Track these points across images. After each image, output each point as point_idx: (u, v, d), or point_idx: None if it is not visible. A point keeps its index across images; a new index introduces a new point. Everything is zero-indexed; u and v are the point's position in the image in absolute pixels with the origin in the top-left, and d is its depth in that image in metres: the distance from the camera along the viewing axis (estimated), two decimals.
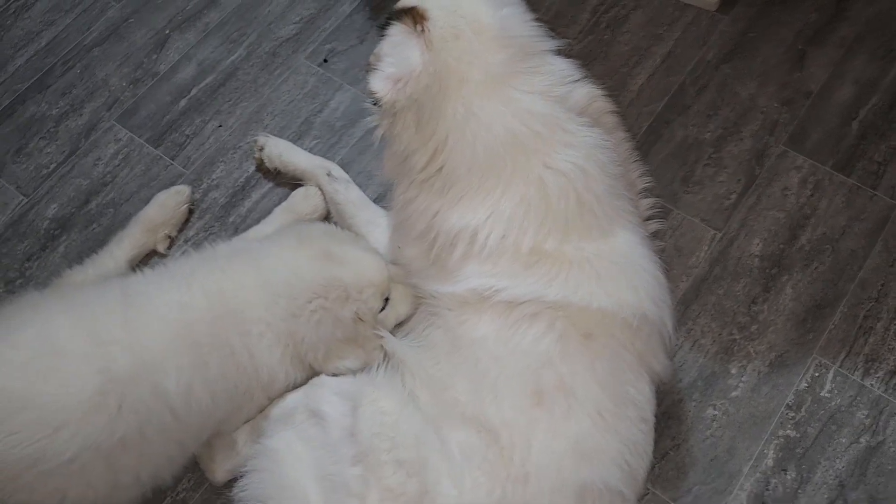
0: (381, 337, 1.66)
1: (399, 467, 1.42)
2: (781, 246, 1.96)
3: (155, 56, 2.37)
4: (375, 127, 1.65)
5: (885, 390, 1.77)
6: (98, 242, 2.04)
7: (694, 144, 2.10)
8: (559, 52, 1.59)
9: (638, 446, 1.45)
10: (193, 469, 1.76)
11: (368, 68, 1.52)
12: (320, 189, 2.00)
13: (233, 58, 2.34)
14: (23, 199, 2.14)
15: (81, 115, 2.27)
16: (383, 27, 1.70)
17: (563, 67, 1.58)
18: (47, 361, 1.50)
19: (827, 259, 1.93)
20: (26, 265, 2.05)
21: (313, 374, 1.66)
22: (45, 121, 2.27)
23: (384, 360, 1.66)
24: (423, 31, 1.48)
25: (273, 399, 1.66)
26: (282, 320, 1.57)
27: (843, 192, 2.01)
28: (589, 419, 1.41)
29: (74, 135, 2.24)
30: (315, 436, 1.52)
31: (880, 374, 1.79)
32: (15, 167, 2.20)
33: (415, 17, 1.48)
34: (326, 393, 1.57)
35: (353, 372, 1.64)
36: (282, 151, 2.09)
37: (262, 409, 1.68)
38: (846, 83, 2.17)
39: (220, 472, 1.71)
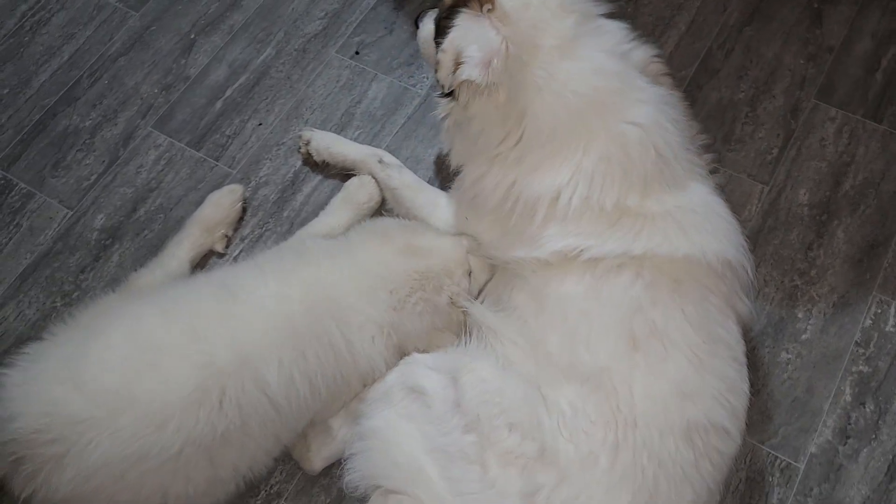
0: (467, 312, 1.68)
1: (513, 430, 1.45)
2: (827, 193, 2.03)
3: (183, 61, 2.35)
4: (445, 117, 1.67)
5: None
6: (152, 248, 2.03)
7: (729, 105, 2.17)
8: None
9: (735, 384, 1.49)
10: (285, 461, 1.75)
11: (438, 66, 1.52)
12: (373, 177, 2.01)
13: (263, 56, 2.34)
14: (68, 213, 2.11)
15: (116, 124, 2.25)
16: (417, 21, 1.74)
17: (620, 29, 1.63)
18: (145, 359, 1.49)
19: (872, 202, 2.01)
20: (81, 277, 2.02)
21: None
22: (79, 133, 2.24)
23: (472, 330, 1.68)
24: (490, 9, 1.51)
25: (368, 386, 1.67)
26: (384, 312, 1.60)
27: (876, 138, 2.10)
28: (686, 360, 1.45)
29: (112, 145, 2.22)
30: (418, 411, 1.53)
31: None
32: (55, 181, 2.16)
33: None
34: (422, 369, 1.58)
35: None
36: (329, 144, 2.10)
37: (356, 396, 1.69)
38: (864, 37, 2.26)
39: (317, 461, 1.71)
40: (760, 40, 2.27)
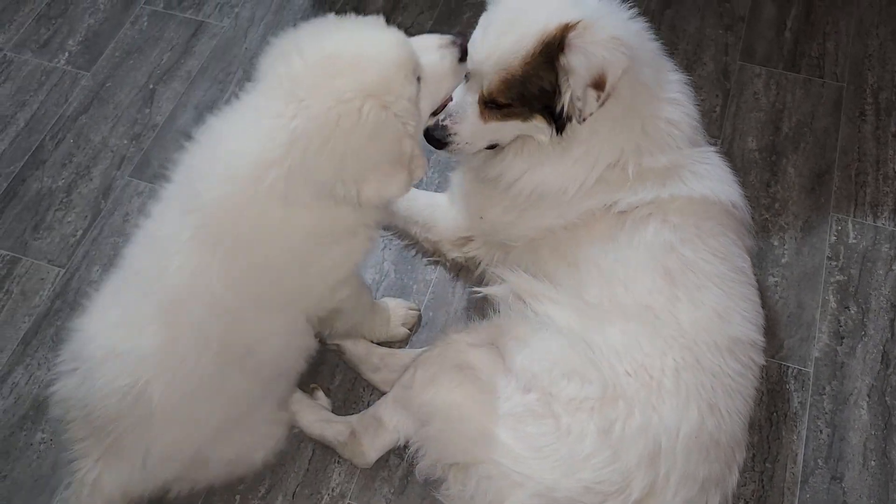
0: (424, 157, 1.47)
1: (570, 378, 1.53)
2: (770, 137, 2.28)
3: (147, 110, 2.38)
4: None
5: (895, 224, 2.10)
6: None
7: None
8: None
9: (756, 305, 1.67)
10: (340, 462, 1.78)
11: (582, 103, 1.54)
12: None
13: (227, 94, 2.40)
14: (60, 271, 2.08)
15: (91, 179, 2.24)
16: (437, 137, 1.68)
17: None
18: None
19: (809, 138, 2.27)
20: None
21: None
22: (53, 193, 2.21)
23: (498, 303, 1.78)
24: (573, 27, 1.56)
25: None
26: None
27: (798, 84, 2.38)
28: (717, 288, 1.61)
29: (91, 199, 2.20)
30: (472, 386, 1.58)
31: (886, 213, 2.13)
32: (38, 243, 2.12)
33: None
34: (463, 346, 1.65)
35: (397, 198, 1.56)
36: None
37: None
38: (766, 3, 2.57)
39: (371, 453, 1.73)
40: (681, 19, 2.54)
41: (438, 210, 1.99)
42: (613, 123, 1.63)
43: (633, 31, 1.62)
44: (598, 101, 1.54)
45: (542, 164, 1.70)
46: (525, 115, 1.66)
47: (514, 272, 1.76)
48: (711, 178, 1.68)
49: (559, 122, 1.61)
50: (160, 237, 1.46)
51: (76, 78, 2.45)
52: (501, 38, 1.57)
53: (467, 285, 2.02)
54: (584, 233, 1.70)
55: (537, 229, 1.77)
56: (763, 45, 2.47)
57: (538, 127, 1.66)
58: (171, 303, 1.41)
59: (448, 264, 2.05)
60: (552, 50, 1.53)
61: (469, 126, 1.68)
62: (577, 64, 1.51)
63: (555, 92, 1.58)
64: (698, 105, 1.76)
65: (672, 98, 1.69)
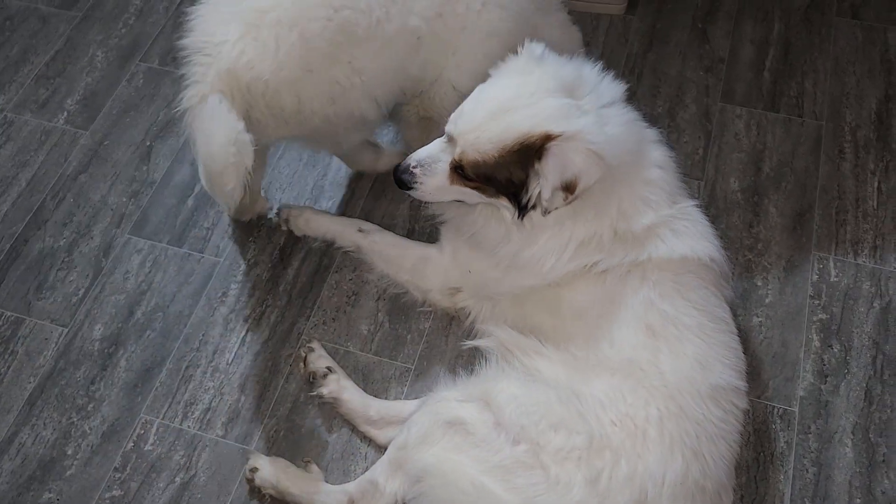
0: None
1: (557, 430, 1.58)
2: (752, 178, 2.34)
3: (145, 167, 2.44)
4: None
5: (876, 262, 2.16)
6: (158, 347, 2.08)
7: (649, 119, 2.46)
8: None
9: (736, 351, 1.73)
10: None
11: (549, 202, 1.64)
12: (357, 246, 2.14)
13: None
14: (63, 330, 2.13)
15: (92, 237, 2.30)
16: (404, 179, 1.77)
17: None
18: None
19: (790, 178, 2.33)
20: (92, 388, 2.04)
21: None
22: (55, 253, 2.27)
23: (488, 355, 1.84)
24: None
25: None
26: None
27: (779, 124, 2.44)
28: (698, 338, 1.67)
29: (92, 258, 2.26)
30: (463, 441, 1.63)
31: (866, 251, 2.18)
32: (42, 303, 2.18)
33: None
34: (453, 403, 1.69)
35: None
36: (308, 218, 2.23)
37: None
38: (745, 44, 2.64)
39: None
40: (663, 62, 2.60)
41: (430, 264, 2.04)
42: (587, 214, 1.71)
43: (617, 130, 1.66)
44: (565, 201, 1.63)
45: (513, 238, 1.77)
46: (491, 194, 1.73)
47: (501, 328, 1.82)
48: (690, 236, 1.75)
49: (522, 210, 1.69)
50: None
51: (75, 137, 2.52)
52: (488, 123, 1.64)
53: (461, 340, 2.06)
54: (567, 290, 1.77)
55: (521, 288, 1.83)
56: (743, 85, 2.54)
57: (503, 205, 1.74)
58: None
59: (440, 313, 2.10)
60: (530, 153, 1.61)
61: (436, 182, 1.76)
62: (549, 171, 1.59)
63: (522, 186, 1.65)
64: (681, 148, 1.83)
65: (652, 162, 1.76)
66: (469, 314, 1.98)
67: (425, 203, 1.93)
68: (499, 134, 1.62)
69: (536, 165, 1.60)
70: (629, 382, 1.62)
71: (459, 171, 1.71)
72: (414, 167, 1.76)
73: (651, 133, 1.81)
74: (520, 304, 1.86)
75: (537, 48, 1.73)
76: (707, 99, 2.51)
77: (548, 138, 1.58)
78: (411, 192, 1.80)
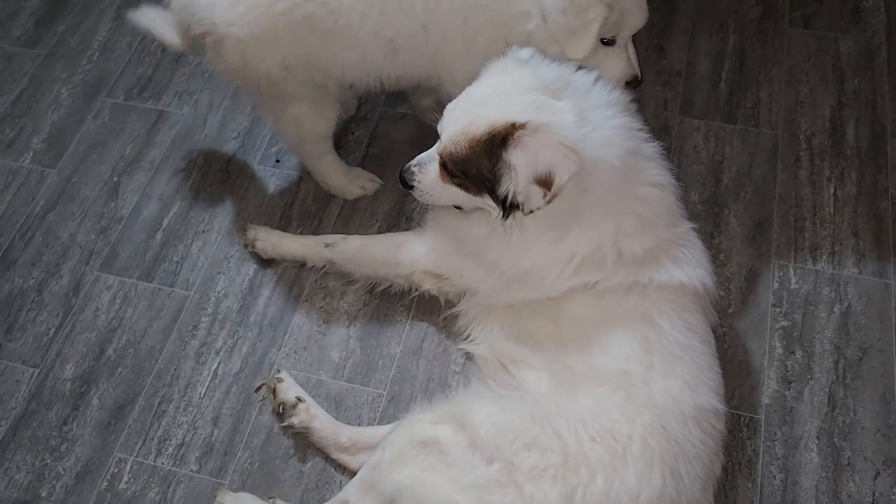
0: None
1: (531, 448, 1.60)
2: (712, 189, 2.38)
3: (113, 203, 2.45)
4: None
5: (834, 268, 2.20)
6: (131, 384, 2.09)
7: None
8: None
9: (718, 375, 1.78)
10: None
11: (526, 198, 1.67)
12: (328, 261, 2.17)
13: (190, 182, 2.48)
14: (34, 371, 2.14)
15: (61, 276, 2.31)
16: (405, 178, 1.84)
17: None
18: None
19: (749, 188, 2.38)
20: (65, 429, 2.04)
21: None
22: (25, 294, 2.28)
23: (468, 374, 1.88)
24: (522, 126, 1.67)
25: None
26: None
27: (736, 135, 2.49)
28: (689, 359, 1.72)
29: (62, 297, 2.27)
30: (437, 460, 1.65)
31: (825, 256, 2.23)
32: (12, 345, 2.19)
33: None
34: (427, 425, 1.72)
35: None
36: (274, 243, 2.25)
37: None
38: (701, 57, 2.69)
39: None
40: None
41: (403, 248, 2.06)
42: (582, 225, 1.75)
43: (601, 133, 1.69)
44: (544, 198, 1.65)
45: (506, 245, 1.81)
46: (473, 191, 1.76)
47: (493, 334, 1.87)
48: (688, 263, 1.80)
49: (506, 209, 1.71)
50: None
51: (42, 175, 2.53)
52: (462, 115, 1.71)
53: (432, 363, 2.09)
54: (567, 301, 1.82)
55: (518, 299, 1.87)
56: (700, 98, 2.59)
57: (488, 205, 1.76)
58: None
59: (411, 337, 2.12)
60: (495, 142, 1.64)
61: (430, 180, 1.82)
62: (517, 161, 1.61)
63: (494, 180, 1.67)
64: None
65: (650, 180, 1.80)
66: (461, 324, 2.01)
67: (427, 206, 1.97)
68: (469, 125, 1.67)
69: (504, 155, 1.62)
70: (617, 395, 1.65)
71: (445, 167, 1.76)
72: (414, 166, 1.84)
73: (650, 148, 1.83)
74: (516, 311, 1.89)
75: (525, 52, 1.78)
76: (666, 113, 2.56)
77: (513, 127, 1.61)
78: (412, 192, 1.86)
